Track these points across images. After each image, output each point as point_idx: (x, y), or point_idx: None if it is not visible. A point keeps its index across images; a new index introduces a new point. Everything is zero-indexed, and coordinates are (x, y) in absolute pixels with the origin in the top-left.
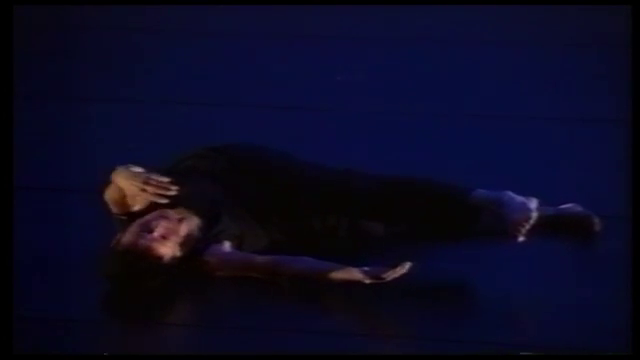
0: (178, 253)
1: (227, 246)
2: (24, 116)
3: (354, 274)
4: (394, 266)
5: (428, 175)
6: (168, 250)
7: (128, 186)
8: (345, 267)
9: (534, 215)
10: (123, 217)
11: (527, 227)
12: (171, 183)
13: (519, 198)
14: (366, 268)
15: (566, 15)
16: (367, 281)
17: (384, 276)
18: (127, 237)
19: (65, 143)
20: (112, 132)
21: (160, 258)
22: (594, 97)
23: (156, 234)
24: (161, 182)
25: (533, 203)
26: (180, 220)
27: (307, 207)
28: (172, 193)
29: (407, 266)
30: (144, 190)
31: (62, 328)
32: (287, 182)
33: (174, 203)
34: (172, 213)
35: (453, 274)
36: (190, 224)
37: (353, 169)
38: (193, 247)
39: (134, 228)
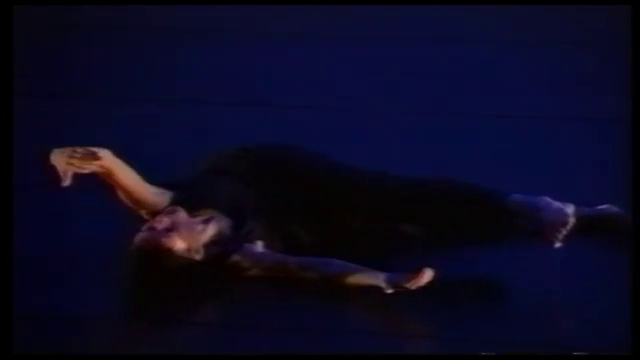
0: (200, 251)
1: (259, 246)
2: (24, 115)
3: (379, 280)
4: (417, 273)
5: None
6: (178, 244)
7: (59, 163)
8: (372, 272)
9: (571, 221)
10: (143, 214)
11: (564, 233)
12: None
13: (556, 204)
14: (391, 274)
15: (566, 15)
16: (389, 290)
17: (407, 285)
18: (139, 235)
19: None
20: (127, 132)
21: (168, 252)
22: (594, 97)
23: (161, 227)
24: (87, 152)
25: (570, 208)
26: (208, 220)
27: (340, 208)
28: (99, 162)
29: (430, 273)
30: (71, 163)
31: (79, 327)
32: (319, 183)
33: (202, 203)
34: (189, 211)
35: (486, 277)
36: (219, 224)
37: (387, 170)
38: (224, 247)
39: (146, 226)
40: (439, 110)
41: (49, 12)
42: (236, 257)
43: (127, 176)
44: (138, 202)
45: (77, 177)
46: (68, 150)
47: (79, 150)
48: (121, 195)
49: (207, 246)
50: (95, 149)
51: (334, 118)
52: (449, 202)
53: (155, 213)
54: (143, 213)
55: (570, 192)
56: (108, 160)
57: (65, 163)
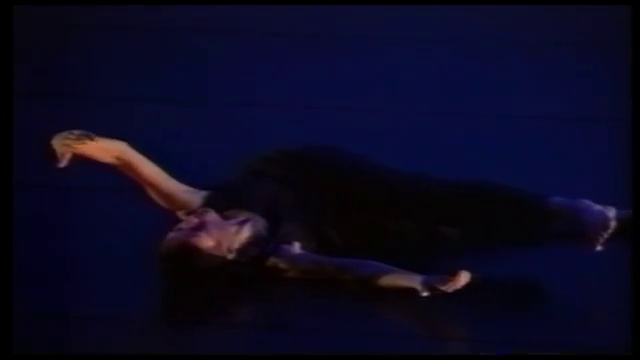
0: (233, 251)
1: (297, 247)
2: (24, 114)
3: (415, 283)
4: (454, 276)
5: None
6: (206, 244)
7: (57, 145)
8: (408, 274)
9: (613, 224)
10: (181, 215)
11: (605, 236)
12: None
13: (597, 206)
14: (427, 276)
15: (566, 15)
16: (424, 293)
17: (444, 288)
18: (168, 235)
19: None
20: (160, 132)
21: (196, 252)
22: (594, 97)
23: (189, 227)
24: (82, 133)
25: (612, 212)
26: (244, 222)
27: (377, 209)
28: (91, 143)
29: (467, 276)
30: (67, 145)
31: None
32: (358, 185)
33: (238, 205)
34: (232, 213)
35: (525, 279)
36: (255, 226)
37: (427, 172)
38: (261, 248)
39: (177, 226)
40: (459, 111)
41: (49, 12)
42: (273, 259)
43: (149, 170)
44: (168, 199)
45: (85, 165)
46: (65, 132)
47: (75, 132)
48: (150, 192)
49: (244, 248)
50: (112, 141)
51: (371, 119)
52: (488, 204)
53: (191, 213)
54: (181, 214)
55: (570, 192)
56: (125, 152)
57: (62, 145)
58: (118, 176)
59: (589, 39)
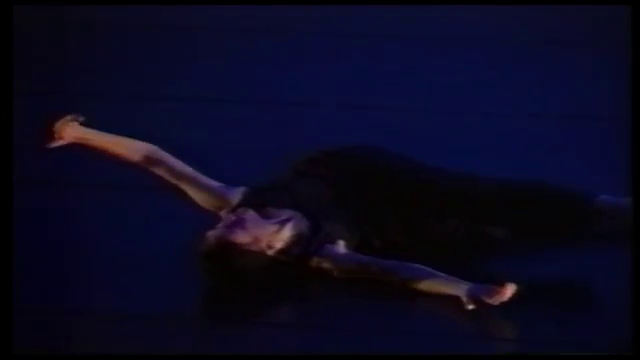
0: (273, 250)
1: (341, 246)
2: (24, 115)
3: (460, 291)
4: (500, 287)
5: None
6: (243, 242)
7: (61, 129)
8: (455, 281)
9: None
10: (223, 215)
11: None
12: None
13: None
14: (473, 286)
15: (566, 15)
16: (469, 306)
17: (490, 301)
18: (208, 233)
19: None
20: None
21: (233, 250)
22: (594, 97)
23: (226, 225)
24: (73, 117)
25: None
26: (285, 221)
27: (422, 209)
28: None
29: (513, 288)
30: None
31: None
32: (402, 184)
33: (280, 204)
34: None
35: (572, 279)
36: (298, 225)
37: (474, 172)
38: (304, 247)
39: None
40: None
41: (49, 12)
42: (317, 258)
43: (183, 169)
44: (205, 198)
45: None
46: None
47: (68, 117)
48: (186, 192)
49: (287, 246)
50: (140, 142)
51: (414, 119)
52: (535, 203)
53: (231, 211)
54: (223, 214)
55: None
56: (155, 152)
57: (65, 128)
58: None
59: (589, 39)
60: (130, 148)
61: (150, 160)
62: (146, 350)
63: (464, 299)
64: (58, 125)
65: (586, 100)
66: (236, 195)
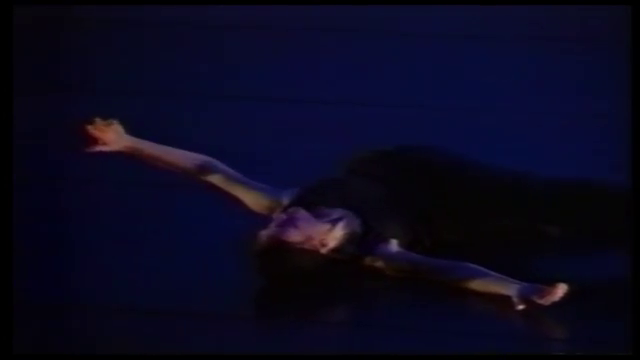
0: (325, 249)
1: (394, 245)
2: (24, 115)
3: (511, 291)
4: (551, 288)
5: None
6: (294, 240)
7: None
8: (506, 280)
9: None
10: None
11: None
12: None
13: None
14: (524, 286)
15: (566, 15)
16: (520, 306)
17: (540, 301)
18: (260, 233)
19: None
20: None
21: (285, 248)
22: (594, 97)
23: (277, 224)
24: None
25: None
26: (337, 220)
27: (476, 207)
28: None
29: (564, 288)
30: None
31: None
32: (459, 183)
33: (332, 203)
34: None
35: (624, 280)
36: (350, 223)
37: (528, 170)
38: (357, 246)
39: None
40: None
41: (49, 12)
42: (370, 257)
43: (236, 179)
44: (258, 204)
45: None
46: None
47: (104, 121)
48: (237, 195)
49: (340, 245)
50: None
51: (471, 118)
52: (590, 202)
53: (282, 211)
54: (274, 214)
55: None
56: (211, 165)
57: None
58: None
59: (589, 39)
60: (183, 158)
61: (203, 170)
62: (198, 349)
63: (515, 299)
64: (98, 129)
65: (586, 101)
66: (287, 196)
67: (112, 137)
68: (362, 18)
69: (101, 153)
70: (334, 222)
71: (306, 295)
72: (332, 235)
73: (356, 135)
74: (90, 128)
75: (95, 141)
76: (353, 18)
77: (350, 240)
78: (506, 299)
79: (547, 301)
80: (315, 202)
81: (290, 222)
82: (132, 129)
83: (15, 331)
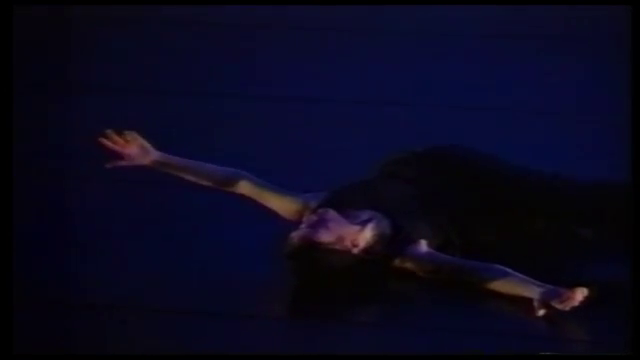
0: (356, 250)
1: (424, 246)
2: (24, 115)
3: (533, 294)
4: (571, 292)
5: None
6: (325, 241)
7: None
8: (530, 283)
9: None
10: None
11: None
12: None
13: None
14: (546, 290)
15: (566, 15)
16: (540, 312)
17: (560, 306)
18: (291, 235)
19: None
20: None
21: (317, 249)
22: (593, 97)
23: (309, 225)
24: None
25: None
26: (367, 221)
27: (506, 209)
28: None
29: (584, 292)
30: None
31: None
32: (491, 184)
33: (361, 204)
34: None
35: None
36: (379, 225)
37: (561, 172)
38: (387, 247)
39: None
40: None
41: (49, 12)
42: (400, 258)
43: (260, 184)
44: (286, 206)
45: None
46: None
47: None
48: (266, 203)
49: (369, 246)
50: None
51: (503, 119)
52: (619, 205)
53: (312, 213)
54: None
55: None
56: (245, 181)
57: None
58: None
59: (589, 39)
60: (212, 172)
61: (232, 182)
62: (231, 350)
63: (536, 304)
64: (118, 143)
65: (585, 101)
66: (315, 199)
67: (136, 151)
68: (393, 17)
69: (125, 168)
70: (363, 223)
71: (338, 296)
72: (362, 236)
73: (386, 135)
74: (109, 142)
75: (118, 156)
76: (385, 18)
77: (380, 241)
78: (528, 301)
79: (566, 306)
80: (343, 204)
81: (321, 223)
82: (150, 129)
83: (16, 328)
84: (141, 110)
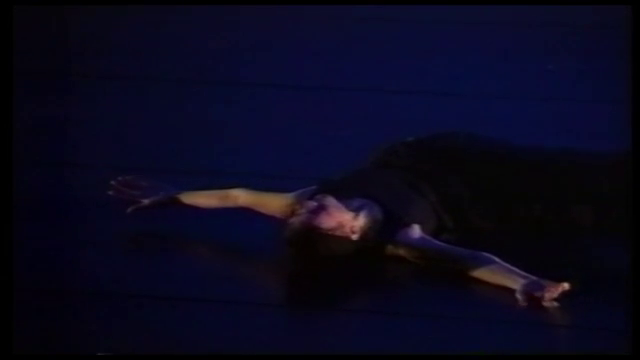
0: (354, 236)
1: (417, 230)
2: (24, 115)
3: (516, 285)
4: (553, 285)
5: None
6: (328, 225)
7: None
8: (515, 274)
9: None
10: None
11: None
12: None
13: None
14: (529, 282)
15: (566, 15)
16: (522, 304)
17: (541, 298)
18: (290, 221)
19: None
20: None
21: (319, 234)
22: (593, 97)
23: (308, 210)
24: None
25: None
26: (360, 207)
27: (508, 193)
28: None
29: (565, 287)
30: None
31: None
32: (487, 168)
33: (353, 192)
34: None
35: None
36: (371, 210)
37: (558, 152)
38: (379, 234)
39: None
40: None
41: (49, 11)
42: (392, 244)
43: (259, 197)
44: (281, 207)
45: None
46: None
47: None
48: (263, 210)
49: (364, 232)
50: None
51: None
52: (617, 190)
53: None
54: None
55: None
56: (244, 196)
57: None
58: None
59: (589, 39)
60: (214, 196)
61: (232, 199)
62: (229, 337)
63: (518, 295)
64: (130, 187)
65: (585, 101)
66: (307, 194)
67: (148, 192)
68: (395, 8)
69: (143, 209)
70: (357, 210)
71: (337, 282)
72: (357, 223)
73: (383, 122)
74: (119, 188)
75: (133, 200)
76: (386, 8)
77: (372, 227)
78: (512, 292)
79: (547, 298)
80: (334, 192)
81: (321, 208)
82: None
83: (17, 325)
84: (144, 100)
